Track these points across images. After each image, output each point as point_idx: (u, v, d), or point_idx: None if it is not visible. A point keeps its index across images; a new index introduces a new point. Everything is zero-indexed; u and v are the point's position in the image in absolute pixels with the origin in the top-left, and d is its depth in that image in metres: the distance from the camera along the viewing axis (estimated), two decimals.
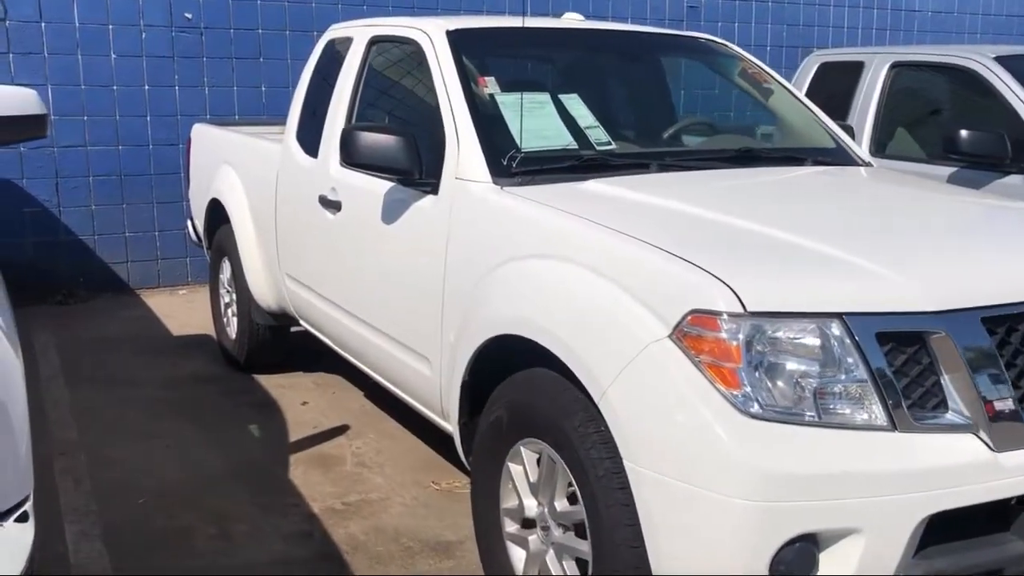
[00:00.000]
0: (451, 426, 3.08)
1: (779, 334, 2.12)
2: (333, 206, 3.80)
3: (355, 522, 3.51)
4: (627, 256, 2.33)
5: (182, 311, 6.43)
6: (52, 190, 6.53)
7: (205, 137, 5.69)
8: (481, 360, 2.81)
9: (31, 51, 6.36)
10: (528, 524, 2.69)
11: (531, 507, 2.66)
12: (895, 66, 5.33)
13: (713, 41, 4.05)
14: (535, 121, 3.17)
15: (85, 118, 6.55)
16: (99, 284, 6.72)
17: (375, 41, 3.88)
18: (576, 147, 3.16)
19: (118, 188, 6.72)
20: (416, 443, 4.23)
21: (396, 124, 3.52)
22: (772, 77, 3.86)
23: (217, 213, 5.25)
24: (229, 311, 5.29)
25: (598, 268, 2.37)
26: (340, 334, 3.94)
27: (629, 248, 2.34)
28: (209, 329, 5.69)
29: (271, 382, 5.04)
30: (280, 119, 6.93)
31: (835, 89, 5.46)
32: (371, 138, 3.13)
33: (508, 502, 2.75)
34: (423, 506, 3.65)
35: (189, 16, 6.75)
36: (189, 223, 6.02)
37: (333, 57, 4.26)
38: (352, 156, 3.16)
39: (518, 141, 3.06)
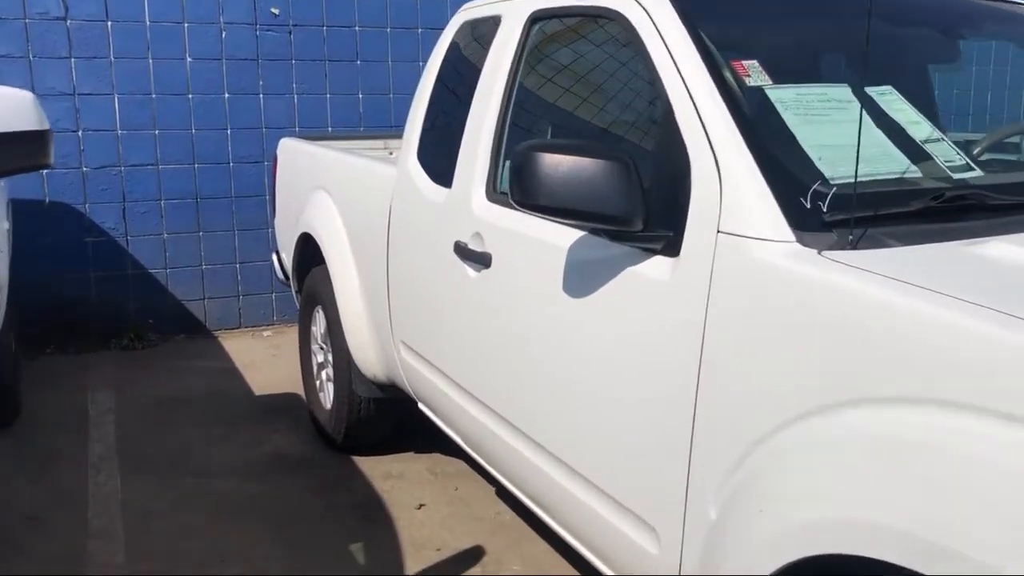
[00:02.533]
0: None
1: None
2: (477, 259, 2.52)
3: None
4: None
5: (265, 360, 5.24)
6: (118, 216, 5.42)
7: (294, 154, 4.49)
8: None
9: (96, 55, 5.25)
10: None
11: None
12: None
13: None
14: (834, 132, 1.84)
15: (156, 132, 5.42)
16: (171, 325, 5.58)
17: (539, 18, 2.59)
18: (919, 175, 1.81)
19: (193, 213, 5.57)
20: None
21: (588, 140, 2.22)
22: None
23: (309, 250, 4.03)
24: (323, 373, 4.06)
25: None
26: (483, 441, 2.65)
27: None
28: (297, 385, 4.48)
29: (376, 469, 3.78)
30: (381, 132, 5.74)
31: None
32: (563, 164, 1.83)
33: None
34: None
35: (276, 11, 5.57)
36: (275, 257, 4.83)
37: (471, 46, 2.98)
38: (530, 191, 1.86)
39: (823, 167, 1.73)
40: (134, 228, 5.45)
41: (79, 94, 5.23)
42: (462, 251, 2.60)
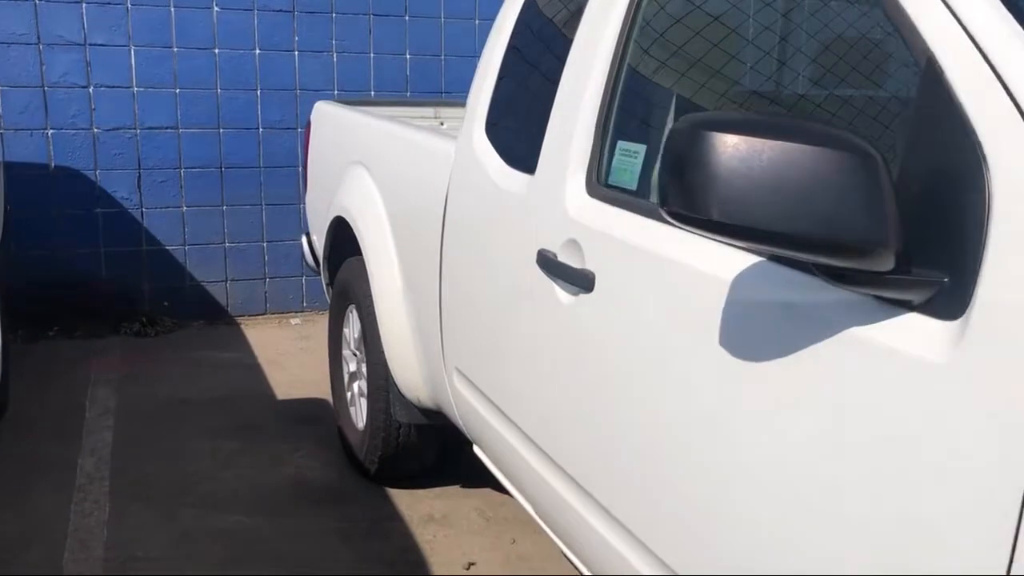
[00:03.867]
0: None
1: None
2: (572, 278, 1.76)
3: None
4: None
5: (292, 354, 4.54)
6: (132, 185, 4.72)
7: (330, 121, 3.74)
8: None
9: (111, 0, 4.53)
10: None
11: None
12: None
13: None
14: None
15: (177, 91, 4.70)
16: (189, 309, 4.89)
17: None
18: None
19: (217, 184, 4.86)
20: None
21: (798, 118, 1.45)
22: None
23: (343, 236, 3.29)
24: (355, 386, 3.34)
25: None
26: (567, 526, 1.90)
27: None
28: (326, 387, 3.75)
29: (416, 508, 3.07)
30: (430, 99, 4.99)
31: None
32: (764, 153, 1.06)
33: None
34: None
35: None
36: (305, 240, 4.10)
37: None
38: (700, 197, 1.09)
39: None
40: (150, 199, 4.75)
41: (91, 45, 4.51)
42: (549, 264, 1.84)
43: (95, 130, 4.59)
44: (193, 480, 3.21)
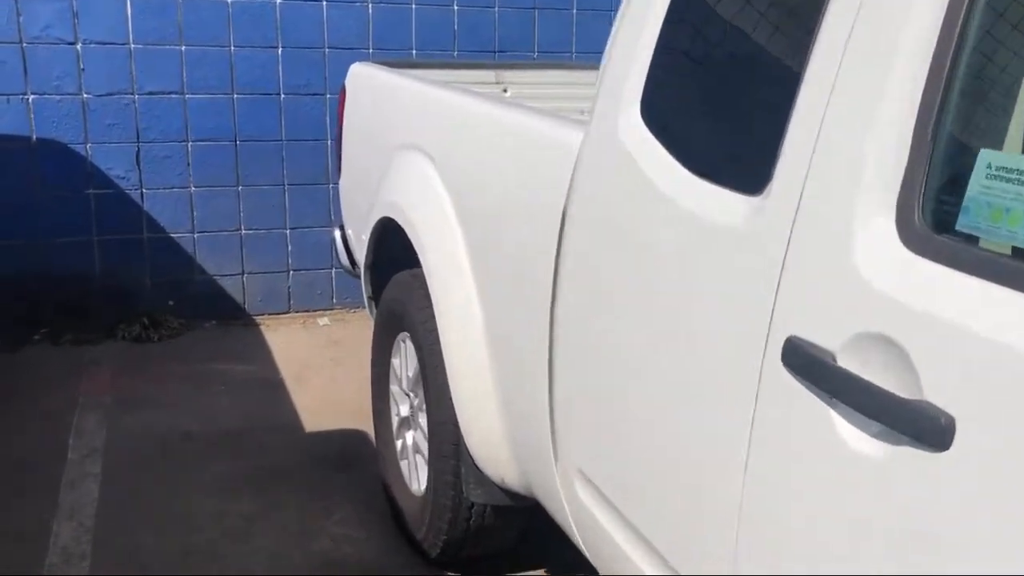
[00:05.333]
0: None
1: None
2: (886, 413, 0.90)
3: None
4: None
5: (321, 366, 3.71)
6: (131, 161, 3.86)
7: (371, 89, 2.86)
8: None
9: None
10: None
11: None
12: None
13: None
14: None
15: (182, 48, 3.82)
16: (198, 307, 4.06)
17: None
18: None
19: (231, 160, 3.99)
20: None
21: None
22: None
23: (392, 241, 2.45)
24: (408, 435, 2.51)
25: None
26: None
27: None
28: (364, 413, 2.94)
29: None
30: (489, 61, 4.11)
31: None
32: None
33: None
34: None
35: None
36: (338, 234, 3.24)
37: None
38: None
39: None
40: (151, 178, 3.90)
41: None
42: (818, 372, 0.98)
43: (84, 96, 3.73)
44: (198, 559, 2.40)
